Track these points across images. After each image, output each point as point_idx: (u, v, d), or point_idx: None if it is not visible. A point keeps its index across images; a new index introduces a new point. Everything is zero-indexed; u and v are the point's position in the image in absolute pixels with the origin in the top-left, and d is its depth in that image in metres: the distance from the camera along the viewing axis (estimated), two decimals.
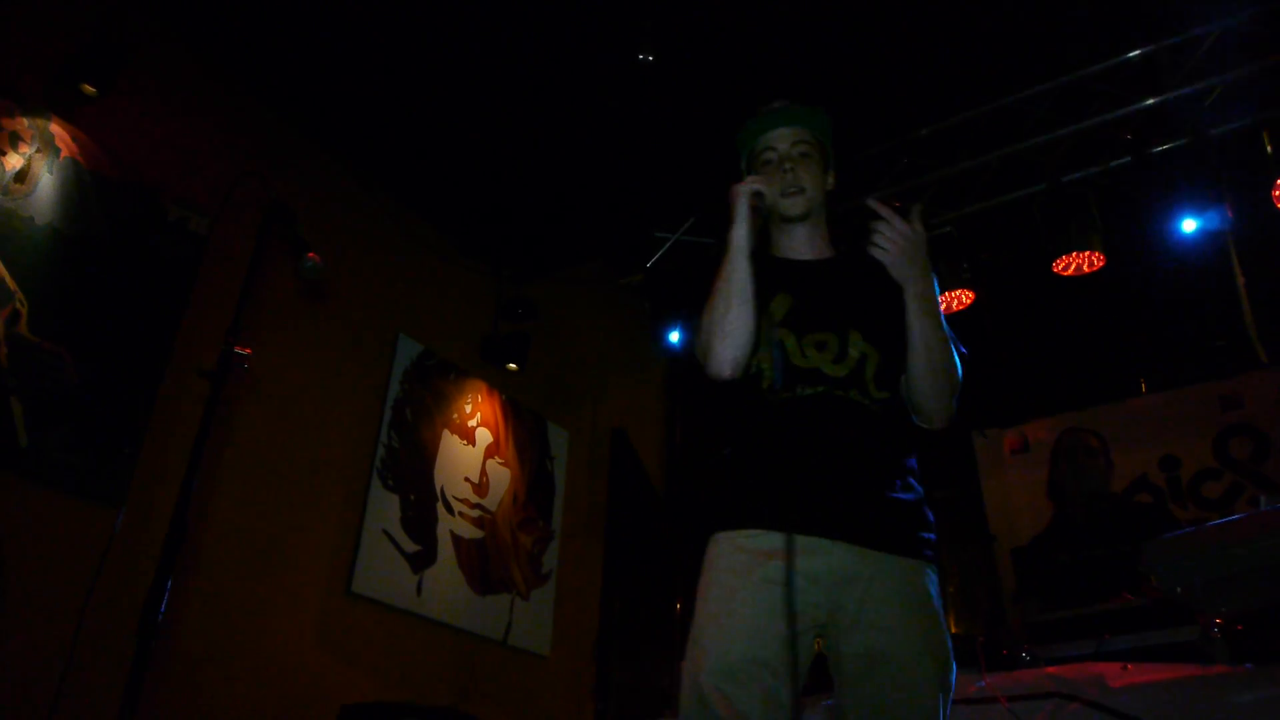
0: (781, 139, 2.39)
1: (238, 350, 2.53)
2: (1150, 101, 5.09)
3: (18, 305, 3.97)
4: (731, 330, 2.13)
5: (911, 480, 2.14)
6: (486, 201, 6.03)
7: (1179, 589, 2.83)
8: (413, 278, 5.97)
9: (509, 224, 6.25)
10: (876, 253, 2.10)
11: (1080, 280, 5.60)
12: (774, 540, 1.97)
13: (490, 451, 6.18)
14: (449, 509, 5.77)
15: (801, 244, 2.40)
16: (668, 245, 6.38)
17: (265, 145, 5.11)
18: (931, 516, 2.13)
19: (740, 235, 2.17)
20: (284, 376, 4.94)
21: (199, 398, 2.58)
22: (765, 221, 2.38)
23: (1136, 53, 5.06)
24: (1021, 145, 5.43)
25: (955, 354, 2.16)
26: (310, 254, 2.82)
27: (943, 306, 5.79)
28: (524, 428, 6.52)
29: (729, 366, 2.15)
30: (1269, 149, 5.05)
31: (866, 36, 5.04)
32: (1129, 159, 5.27)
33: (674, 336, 6.47)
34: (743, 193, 2.20)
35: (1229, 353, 5.87)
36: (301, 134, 5.39)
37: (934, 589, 2.03)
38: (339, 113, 5.36)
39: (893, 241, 2.08)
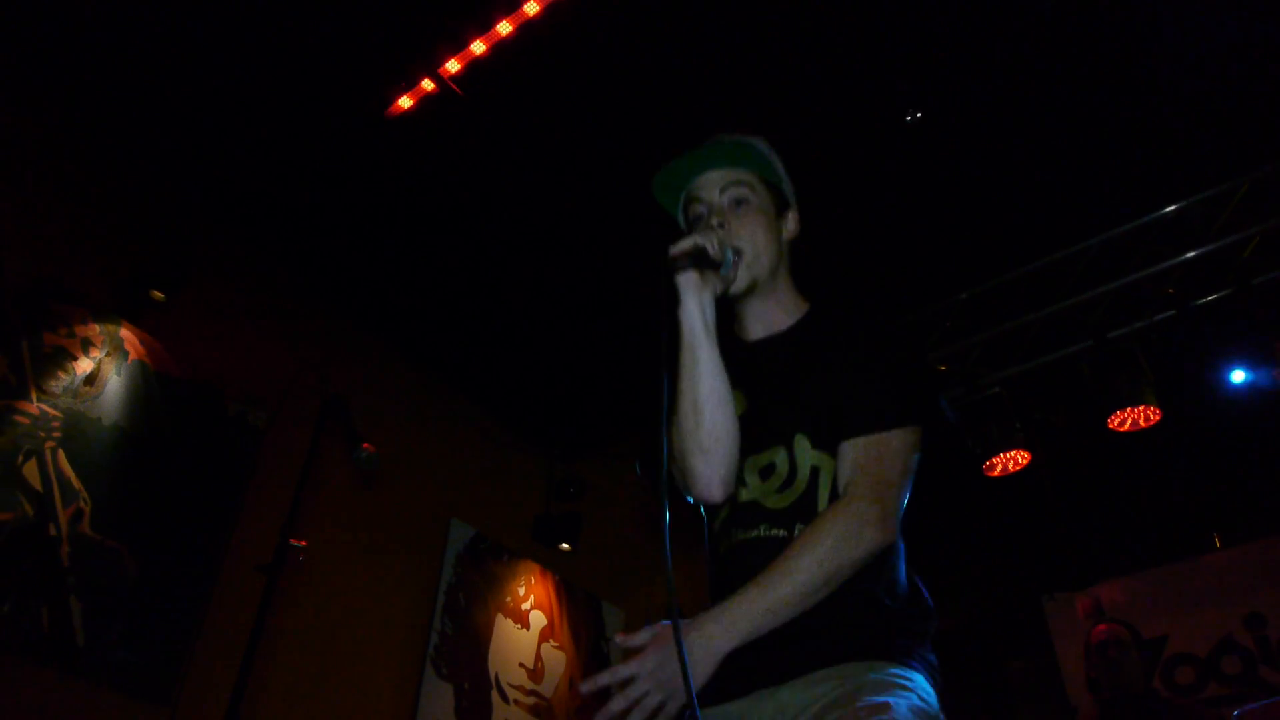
0: (707, 187, 1.84)
1: (293, 543, 2.56)
2: (1190, 255, 5.12)
3: (81, 504, 4.06)
4: (710, 444, 1.63)
5: (880, 602, 1.61)
6: (536, 382, 6.15)
7: None
8: (464, 461, 6.04)
9: (559, 402, 6.35)
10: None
11: (1138, 436, 5.49)
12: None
13: (545, 635, 6.05)
14: (504, 697, 5.61)
15: (754, 319, 1.87)
16: None
17: (322, 339, 5.30)
18: (916, 615, 1.64)
19: (691, 313, 1.64)
20: (337, 565, 4.94)
21: (255, 591, 2.59)
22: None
23: (1171, 208, 5.14)
24: (1063, 304, 5.45)
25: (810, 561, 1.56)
26: (365, 444, 2.88)
27: (998, 470, 5.74)
28: (578, 609, 6.40)
29: (719, 488, 1.66)
30: None
31: (902, 203, 5.19)
32: (1173, 312, 5.25)
33: None
34: (679, 253, 1.64)
35: None
36: (357, 326, 5.60)
37: (893, 681, 1.49)
38: (392, 305, 5.59)
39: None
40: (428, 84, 4.32)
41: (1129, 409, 5.40)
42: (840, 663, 1.53)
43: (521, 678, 5.77)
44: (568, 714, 5.94)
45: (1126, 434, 5.51)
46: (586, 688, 1.59)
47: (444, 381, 6.07)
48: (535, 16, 4.06)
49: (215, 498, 4.55)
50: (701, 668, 1.52)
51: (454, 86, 4.27)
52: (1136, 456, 5.90)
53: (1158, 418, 5.37)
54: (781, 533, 1.63)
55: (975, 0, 4.13)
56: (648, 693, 1.53)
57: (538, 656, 5.94)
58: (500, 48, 4.16)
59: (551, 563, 6.32)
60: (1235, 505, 5.85)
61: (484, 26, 4.16)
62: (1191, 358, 5.34)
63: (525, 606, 6.02)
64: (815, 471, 1.65)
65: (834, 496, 1.63)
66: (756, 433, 1.71)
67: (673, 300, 1.65)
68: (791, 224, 1.91)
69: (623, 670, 1.55)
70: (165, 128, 4.63)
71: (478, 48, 4.20)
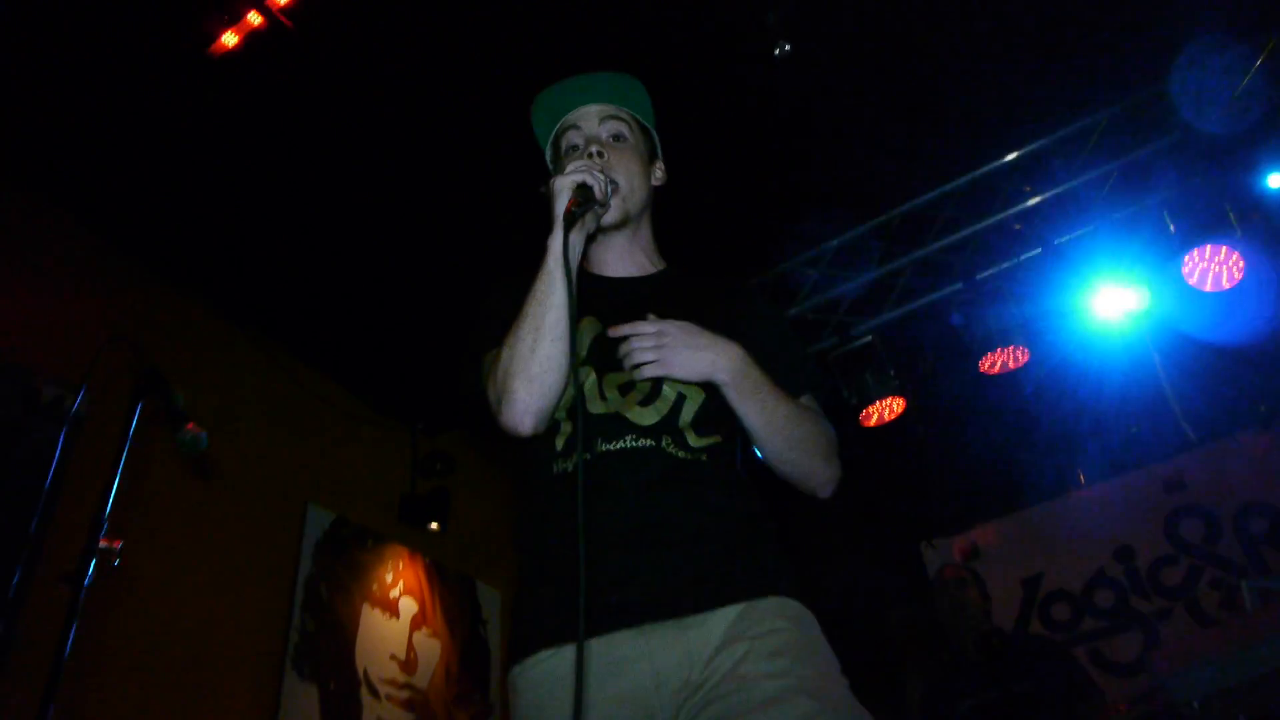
0: (586, 118, 1.90)
1: (103, 545, 2.14)
2: (1052, 193, 5.14)
3: None
4: (538, 372, 1.62)
5: (750, 532, 1.68)
6: (392, 349, 5.69)
7: (1195, 703, 2.56)
8: (320, 441, 5.55)
9: (418, 372, 5.91)
10: (650, 371, 1.64)
11: (1007, 377, 5.51)
12: (566, 658, 1.51)
13: (416, 622, 5.67)
14: (374, 693, 5.21)
15: (617, 256, 1.92)
16: None
17: (146, 309, 4.73)
18: (773, 549, 1.69)
19: (558, 245, 1.63)
20: (173, 565, 4.43)
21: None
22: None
23: (1031, 146, 5.13)
24: (931, 247, 5.41)
25: (810, 421, 1.74)
26: (189, 424, 2.47)
27: (874, 419, 5.71)
28: (451, 592, 6.04)
29: (531, 418, 1.64)
30: (1171, 228, 5.11)
31: (766, 151, 5.00)
32: (1039, 250, 5.27)
33: None
34: (561, 188, 1.65)
35: (1160, 433, 5.84)
36: (186, 296, 5.02)
37: (795, 620, 1.57)
38: (225, 269, 5.01)
39: (654, 350, 1.63)
40: (254, 17, 3.83)
41: (999, 350, 5.41)
42: (735, 602, 1.55)
43: (393, 670, 5.38)
44: (444, 704, 5.60)
45: (996, 376, 5.53)
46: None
47: (289, 352, 5.51)
48: None
49: (22, 496, 3.98)
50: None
51: (283, 19, 3.79)
52: (1006, 398, 5.95)
53: (1026, 358, 5.40)
54: (649, 443, 1.65)
55: None
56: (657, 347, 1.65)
57: (410, 646, 5.55)
58: None
59: (421, 545, 5.94)
60: (1098, 442, 5.97)
61: None
62: (1058, 296, 5.37)
63: (394, 594, 5.62)
64: (681, 397, 1.71)
65: (698, 421, 1.70)
66: (615, 352, 1.70)
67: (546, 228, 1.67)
68: (659, 172, 1.99)
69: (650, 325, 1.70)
70: None
71: None
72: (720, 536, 1.61)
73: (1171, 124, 4.89)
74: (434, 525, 5.91)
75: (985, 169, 5.23)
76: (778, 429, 1.68)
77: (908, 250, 5.47)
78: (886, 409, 5.67)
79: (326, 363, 5.69)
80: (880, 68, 4.65)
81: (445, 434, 6.26)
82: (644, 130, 1.97)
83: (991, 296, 5.36)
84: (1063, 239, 5.21)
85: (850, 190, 5.34)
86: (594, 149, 1.82)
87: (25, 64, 3.94)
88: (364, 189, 4.62)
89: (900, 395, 5.64)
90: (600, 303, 1.80)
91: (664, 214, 2.05)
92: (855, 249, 5.60)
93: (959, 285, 5.43)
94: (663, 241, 2.05)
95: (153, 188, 4.50)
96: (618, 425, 1.66)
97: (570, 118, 1.91)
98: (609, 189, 1.72)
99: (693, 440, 1.68)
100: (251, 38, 3.87)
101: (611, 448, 1.64)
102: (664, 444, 1.65)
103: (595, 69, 1.92)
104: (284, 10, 3.80)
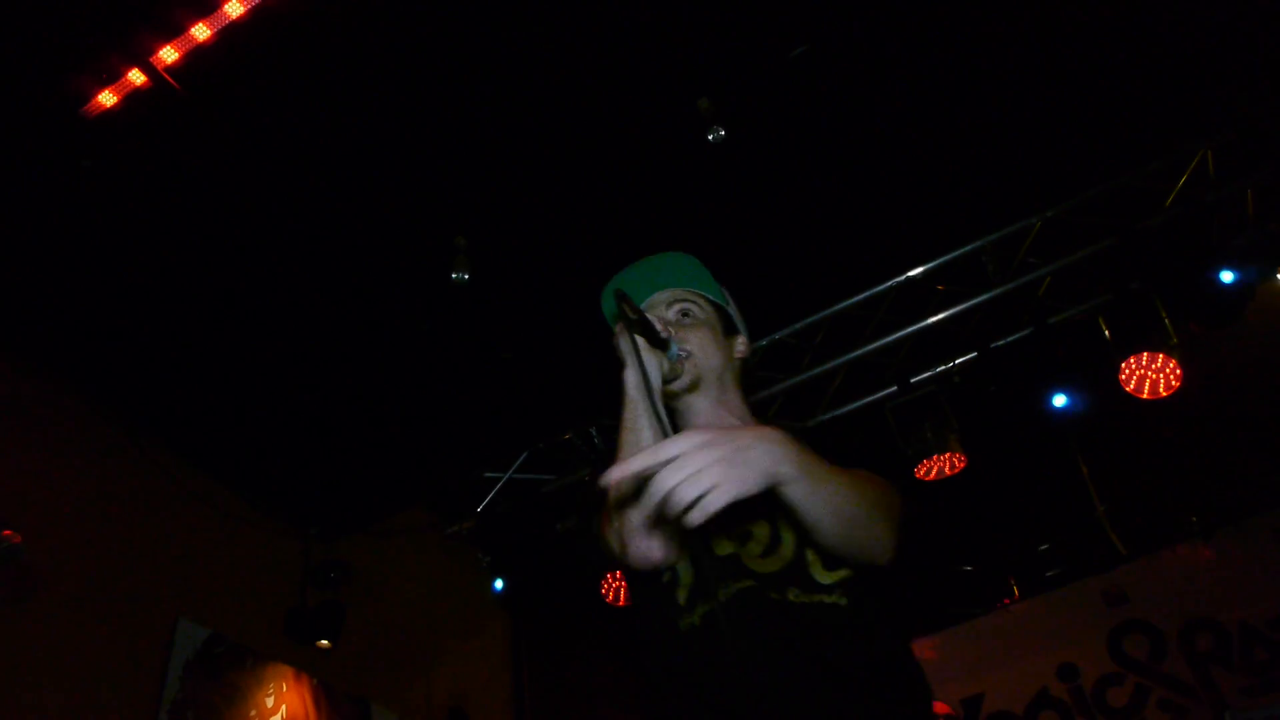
0: (656, 305, 1.97)
1: None
2: (985, 296, 4.99)
3: None
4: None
5: (897, 689, 1.58)
6: (283, 444, 5.19)
7: None
8: (195, 545, 4.98)
9: (313, 470, 5.40)
10: (714, 502, 1.26)
11: (943, 484, 5.26)
12: None
13: None
14: None
15: (699, 415, 1.92)
16: (499, 485, 5.70)
17: None
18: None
19: (634, 377, 1.68)
20: (4, 694, 3.81)
21: None
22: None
23: (966, 248, 5.00)
24: (865, 349, 5.20)
25: (867, 487, 1.53)
26: (5, 531, 2.00)
27: None
28: (342, 716, 5.42)
29: (659, 547, 1.64)
30: (1107, 334, 5.00)
31: (689, 245, 4.76)
32: (974, 354, 5.09)
33: (498, 584, 5.59)
34: (619, 330, 1.74)
35: (1097, 544, 5.64)
36: (30, 369, 4.45)
37: None
38: (88, 346, 4.48)
39: (702, 474, 1.27)
40: (136, 76, 3.47)
41: (935, 457, 5.18)
42: None
43: None
44: None
45: (932, 483, 5.28)
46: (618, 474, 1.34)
47: (161, 445, 4.96)
48: None
49: None
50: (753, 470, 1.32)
51: (169, 79, 3.43)
52: (941, 506, 5.69)
53: (963, 464, 5.18)
54: (774, 595, 1.60)
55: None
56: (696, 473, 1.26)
57: None
58: (230, 31, 3.38)
59: (308, 663, 5.34)
60: (1037, 552, 5.74)
61: (206, 8, 3.38)
62: (996, 401, 5.17)
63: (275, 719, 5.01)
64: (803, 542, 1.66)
65: (827, 559, 1.62)
66: (725, 513, 1.45)
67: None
68: (741, 346, 2.02)
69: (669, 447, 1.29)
70: None
71: (200, 32, 3.40)
72: (867, 699, 1.53)
73: (1108, 228, 4.80)
74: (324, 643, 5.33)
75: (917, 271, 5.08)
76: (835, 514, 1.45)
77: (839, 352, 5.26)
78: None
79: (204, 457, 5.14)
80: (809, 162, 4.49)
81: (341, 539, 5.73)
82: (716, 307, 2.00)
83: (926, 401, 5.16)
84: (997, 343, 5.05)
85: (778, 288, 5.13)
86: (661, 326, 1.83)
87: None
88: (250, 267, 4.22)
89: None
90: None
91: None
92: (785, 349, 5.37)
93: (893, 389, 5.22)
94: None
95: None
96: (736, 569, 1.63)
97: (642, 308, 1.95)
98: (674, 345, 1.76)
99: (821, 577, 1.62)
100: (133, 98, 3.50)
101: (737, 588, 1.61)
102: (790, 594, 1.60)
103: (654, 250, 2.02)
104: (171, 69, 3.44)
